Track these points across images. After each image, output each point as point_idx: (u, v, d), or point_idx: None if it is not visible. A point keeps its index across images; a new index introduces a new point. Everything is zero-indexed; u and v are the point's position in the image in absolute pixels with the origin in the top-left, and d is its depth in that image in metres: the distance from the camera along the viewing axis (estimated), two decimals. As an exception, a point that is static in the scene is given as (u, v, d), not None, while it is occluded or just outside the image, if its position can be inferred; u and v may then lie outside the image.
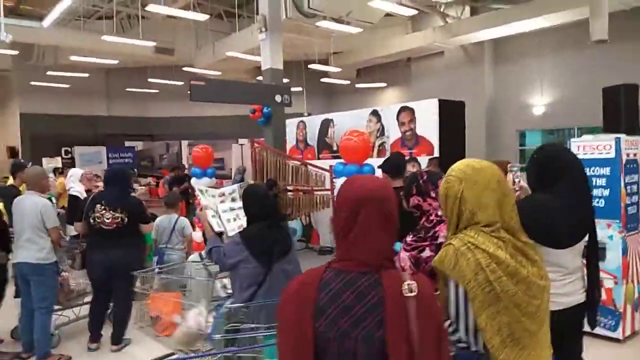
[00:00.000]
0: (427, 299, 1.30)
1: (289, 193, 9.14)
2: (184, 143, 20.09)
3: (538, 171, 2.59)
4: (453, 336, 1.56)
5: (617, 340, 4.29)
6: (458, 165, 1.68)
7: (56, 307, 4.72)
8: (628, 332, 4.34)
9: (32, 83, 17.52)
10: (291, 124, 9.78)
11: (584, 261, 2.62)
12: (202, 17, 11.14)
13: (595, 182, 4.32)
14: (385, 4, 10.01)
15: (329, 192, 8.31)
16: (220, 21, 16.83)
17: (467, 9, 14.79)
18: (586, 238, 2.62)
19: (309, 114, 14.19)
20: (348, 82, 18.84)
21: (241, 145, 14.36)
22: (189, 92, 7.07)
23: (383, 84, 18.68)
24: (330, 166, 7.09)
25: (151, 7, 9.88)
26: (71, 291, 4.73)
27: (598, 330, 4.35)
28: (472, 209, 1.59)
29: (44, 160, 17.06)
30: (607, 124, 5.99)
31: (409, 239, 2.46)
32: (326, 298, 1.29)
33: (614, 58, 11.75)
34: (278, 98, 8.21)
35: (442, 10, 14.79)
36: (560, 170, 2.49)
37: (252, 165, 9.13)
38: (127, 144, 21.06)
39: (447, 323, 1.59)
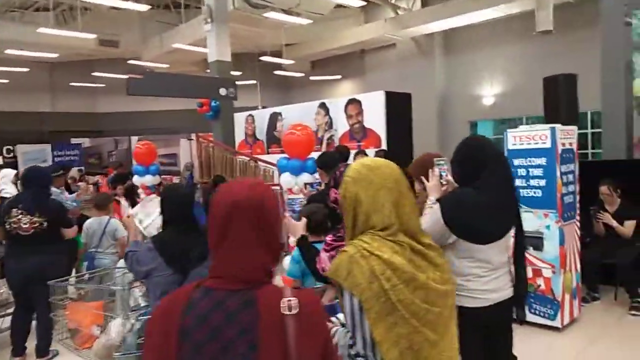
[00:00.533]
0: (309, 315, 1.16)
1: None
2: (134, 139, 19.40)
3: (461, 165, 2.51)
4: (351, 350, 1.43)
5: (556, 328, 4.33)
6: (353, 165, 1.55)
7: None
8: (567, 321, 4.38)
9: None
10: (240, 118, 9.53)
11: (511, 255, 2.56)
12: (143, 7, 10.70)
13: (532, 172, 4.32)
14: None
15: (279, 188, 8.17)
16: (167, 12, 16.31)
17: (418, 0, 14.84)
18: (512, 232, 2.57)
19: (264, 107, 13.95)
20: (302, 74, 18.64)
21: (190, 140, 13.96)
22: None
23: (338, 76, 18.58)
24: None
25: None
26: (-7, 301, 4.40)
27: (537, 319, 4.39)
28: (367, 211, 1.46)
29: (-17, 160, 16.21)
30: (547, 114, 6.08)
31: (328, 238, 2.33)
32: (192, 321, 1.13)
33: (560, 48, 12.00)
34: (223, 91, 7.96)
35: (393, 1, 14.79)
36: (483, 163, 2.41)
37: (197, 161, 8.88)
38: (73, 140, 20.16)
39: (348, 336, 1.46)
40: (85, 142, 20.92)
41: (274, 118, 8.86)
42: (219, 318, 1.12)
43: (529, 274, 4.38)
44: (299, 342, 1.12)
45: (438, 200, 2.49)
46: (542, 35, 10.28)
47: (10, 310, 4.32)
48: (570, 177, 4.42)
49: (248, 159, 8.67)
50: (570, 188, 4.42)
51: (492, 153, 2.45)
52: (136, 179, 8.54)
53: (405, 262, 1.39)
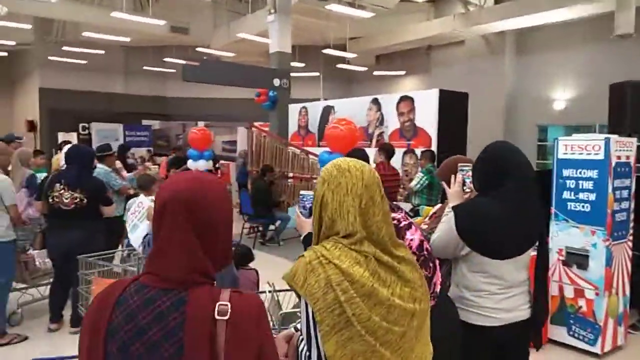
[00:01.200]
0: (242, 322, 1.09)
1: (289, 180, 8.99)
2: (200, 124, 20.04)
3: (482, 172, 2.34)
4: (308, 361, 1.35)
5: (595, 354, 4.01)
6: (327, 165, 1.45)
7: (22, 285, 4.69)
8: (608, 347, 4.05)
9: (51, 58, 17.64)
10: (295, 109, 9.55)
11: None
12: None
13: (582, 184, 4.01)
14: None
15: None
16: (237, 1, 16.62)
17: (491, -3, 14.26)
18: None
19: (325, 99, 13.94)
20: (365, 68, 18.44)
21: (247, 129, 14.19)
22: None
23: (402, 72, 18.23)
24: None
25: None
26: (36, 269, 4.67)
27: (576, 342, 4.09)
28: (332, 215, 1.35)
29: (60, 135, 17.28)
30: (612, 123, 5.63)
31: None
32: (120, 317, 1.09)
33: (638, 53, 11.12)
34: (276, 82, 8.00)
35: (464, -3, 14.30)
36: (505, 171, 2.24)
37: (249, 150, 9.00)
38: (144, 122, 21.13)
39: (302, 345, 1.38)
40: (155, 124, 21.87)
41: (327, 111, 8.81)
42: (147, 317, 1.08)
43: (570, 293, 4.10)
44: (228, 349, 1.06)
45: (454, 208, 2.34)
46: (621, 38, 9.56)
47: (51, 280, 4.56)
48: (625, 193, 4.06)
49: (299, 150, 8.67)
50: (624, 205, 4.06)
51: (515, 161, 2.27)
52: (190, 163, 8.78)
53: (367, 275, 1.28)
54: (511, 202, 2.21)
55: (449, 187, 2.55)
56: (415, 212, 5.87)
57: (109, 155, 5.73)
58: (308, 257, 1.32)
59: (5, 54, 18.96)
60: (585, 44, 12.82)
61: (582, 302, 4.04)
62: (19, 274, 4.50)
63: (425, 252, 2.13)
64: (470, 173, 2.51)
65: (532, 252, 2.38)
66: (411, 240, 2.12)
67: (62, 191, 4.08)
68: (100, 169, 5.63)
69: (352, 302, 1.25)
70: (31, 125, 18.74)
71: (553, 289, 4.15)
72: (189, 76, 6.90)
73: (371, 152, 6.25)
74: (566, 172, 4.10)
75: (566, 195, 4.10)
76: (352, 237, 1.32)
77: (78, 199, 4.08)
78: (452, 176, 2.59)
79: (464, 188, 2.56)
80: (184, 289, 1.10)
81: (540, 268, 2.36)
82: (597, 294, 3.95)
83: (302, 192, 2.52)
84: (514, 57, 14.70)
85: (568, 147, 4.09)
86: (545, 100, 14.02)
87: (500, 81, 14.64)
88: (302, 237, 2.36)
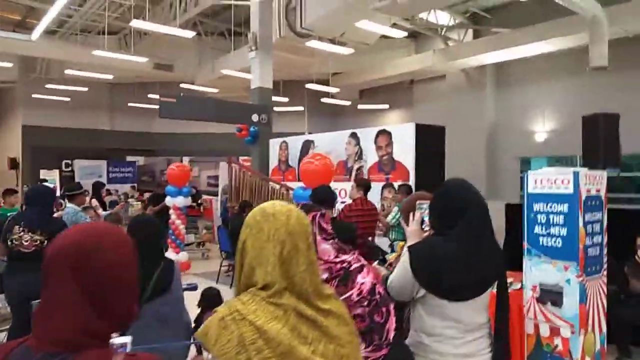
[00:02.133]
0: None
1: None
2: (185, 159, 20.00)
3: (436, 211, 2.28)
4: None
5: (574, 395, 3.87)
6: (256, 208, 1.37)
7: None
8: (587, 387, 3.91)
9: (34, 96, 17.64)
10: (275, 144, 9.54)
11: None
12: (189, 34, 11.02)
13: (553, 219, 3.95)
14: (376, 26, 9.78)
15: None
16: (222, 39, 16.85)
17: (470, 32, 14.56)
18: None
19: (309, 134, 13.97)
20: (348, 102, 18.63)
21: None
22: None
23: (385, 106, 18.42)
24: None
25: (134, 23, 9.79)
26: (-6, 315, 4.48)
27: (553, 384, 3.95)
28: (251, 263, 1.26)
29: (42, 172, 17.13)
30: (587, 155, 5.64)
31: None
32: None
33: (616, 85, 11.34)
34: (255, 117, 7.99)
35: (443, 33, 14.58)
36: (458, 210, 2.17)
37: (228, 186, 8.92)
38: (128, 158, 21.06)
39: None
40: (140, 160, 21.81)
41: (306, 146, 8.79)
42: None
43: (546, 332, 3.99)
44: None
45: (409, 248, 2.27)
46: (596, 71, 9.72)
47: (7, 326, 4.37)
48: (597, 226, 4.00)
49: (278, 185, 8.60)
50: (596, 239, 4.00)
51: (469, 199, 2.21)
52: (168, 200, 8.68)
53: (286, 331, 1.18)
54: (466, 242, 2.14)
55: (406, 226, 2.49)
56: (392, 247, 5.79)
57: (78, 194, 5.61)
58: (222, 313, 1.22)
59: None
60: (563, 76, 13.06)
61: (557, 341, 3.92)
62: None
63: (378, 296, 2.05)
64: (428, 211, 2.45)
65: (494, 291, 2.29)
66: (362, 284, 2.03)
67: (22, 233, 3.94)
68: (70, 208, 5.52)
69: None
70: (13, 163, 18.58)
71: (528, 328, 4.04)
72: (165, 113, 6.86)
73: (350, 186, 6.21)
74: (537, 207, 4.05)
75: (537, 230, 4.04)
76: (270, 289, 1.22)
77: (38, 241, 3.95)
78: (411, 214, 2.53)
79: (423, 226, 2.50)
80: (70, 353, 1.00)
81: (501, 309, 2.27)
82: (572, 332, 3.83)
83: None
84: (495, 90, 14.92)
85: (537, 181, 4.05)
86: (526, 132, 14.17)
87: (481, 114, 14.82)
88: None
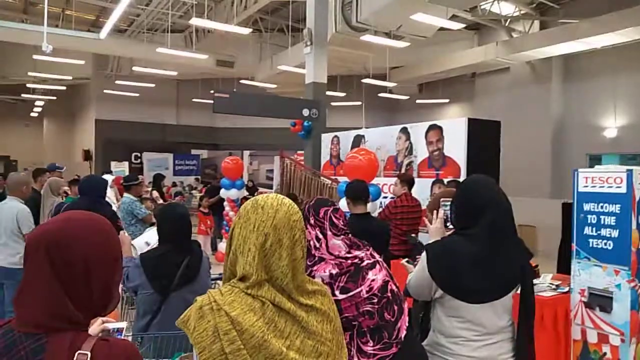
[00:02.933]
0: None
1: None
2: (246, 153, 20.51)
3: (456, 209, 2.21)
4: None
5: (623, 408, 3.64)
6: (250, 199, 1.39)
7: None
8: (638, 400, 3.67)
9: (106, 91, 18.67)
10: (327, 139, 9.56)
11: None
12: (246, 31, 11.25)
13: (604, 220, 3.72)
14: (432, 18, 9.55)
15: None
16: (282, 35, 17.08)
17: (536, 23, 13.90)
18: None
19: (367, 128, 13.90)
20: (408, 97, 18.33)
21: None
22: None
23: (446, 100, 17.99)
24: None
25: (193, 21, 10.13)
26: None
27: (601, 394, 3.73)
28: (235, 251, 1.27)
29: (112, 164, 18.13)
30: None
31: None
32: None
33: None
34: (305, 112, 8.05)
35: (507, 24, 14.02)
36: (480, 209, 2.10)
37: (280, 180, 9.05)
38: (192, 152, 21.86)
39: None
40: (204, 153, 22.59)
41: (357, 140, 8.74)
42: None
43: (594, 338, 3.77)
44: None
45: (426, 247, 2.21)
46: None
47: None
48: (653, 229, 3.73)
49: (329, 180, 8.63)
50: (652, 243, 3.73)
51: (489, 197, 2.12)
52: (223, 192, 8.94)
53: (260, 324, 1.18)
54: (486, 242, 2.07)
55: (429, 224, 2.43)
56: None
57: (135, 185, 5.90)
58: (200, 302, 1.25)
59: (64, 88, 20.25)
60: (634, 68, 12.21)
61: (606, 349, 3.70)
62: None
63: (389, 294, 2.02)
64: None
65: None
66: (373, 280, 2.01)
67: (75, 222, 4.19)
68: (126, 197, 5.83)
69: (237, 354, 1.16)
70: (87, 155, 19.80)
71: (575, 333, 3.85)
72: (219, 108, 7.07)
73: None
74: (587, 207, 3.83)
75: (587, 231, 3.82)
76: (248, 280, 1.24)
77: (90, 229, 4.18)
78: (435, 212, 2.47)
79: (447, 224, 2.43)
80: (44, 335, 1.07)
81: (524, 313, 2.17)
82: (622, 341, 3.61)
83: None
84: (561, 83, 14.18)
85: (588, 179, 3.83)
86: (595, 128, 13.38)
87: (547, 108, 14.13)
88: None
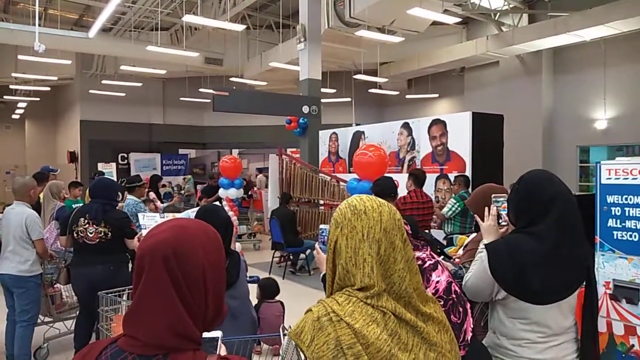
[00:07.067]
0: None
1: (321, 207, 8.86)
2: (235, 152, 20.31)
3: (517, 205, 2.12)
4: None
5: (652, 399, 3.63)
6: (342, 204, 1.30)
7: (47, 319, 4.68)
8: (666, 391, 3.67)
9: (91, 91, 18.29)
10: (324, 136, 9.48)
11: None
12: (239, 27, 11.09)
13: (628, 212, 3.70)
14: (427, 12, 9.52)
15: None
16: (270, 32, 16.93)
17: (525, 17, 13.98)
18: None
19: (357, 125, 13.84)
20: (397, 92, 18.32)
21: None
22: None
23: (435, 95, 18.03)
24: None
25: (186, 18, 9.95)
26: (63, 304, 4.66)
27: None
28: (346, 264, 1.18)
29: (99, 165, 17.79)
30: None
31: None
32: None
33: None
34: (305, 109, 7.96)
35: (496, 18, 14.08)
36: (543, 205, 2.01)
37: (279, 178, 8.94)
38: (180, 151, 21.56)
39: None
40: (192, 153, 22.29)
41: (357, 136, 8.68)
42: None
43: (620, 330, 3.76)
44: None
45: (487, 246, 2.12)
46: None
47: (74, 314, 4.53)
48: (678, 220, 3.73)
49: (329, 177, 8.55)
50: (678, 233, 3.72)
51: (553, 192, 2.04)
52: (221, 192, 8.81)
53: (385, 336, 1.10)
54: (552, 240, 1.98)
55: (482, 219, 2.35)
56: (449, 240, 5.63)
57: (139, 186, 5.75)
58: (317, 312, 1.16)
59: (49, 88, 19.78)
60: (623, 61, 12.36)
61: (634, 341, 3.69)
62: (45, 308, 4.50)
63: (454, 295, 1.94)
64: (505, 205, 2.30)
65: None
66: (437, 282, 1.93)
67: (87, 226, 4.05)
68: (130, 199, 5.68)
69: None
70: (72, 156, 19.38)
71: (601, 325, 3.81)
72: (219, 106, 6.93)
73: (402, 177, 6.08)
74: (610, 199, 3.80)
75: (611, 223, 3.80)
76: (369, 290, 1.15)
77: (102, 234, 4.05)
78: (486, 208, 2.38)
79: (500, 221, 2.34)
80: (165, 355, 0.97)
81: (589, 311, 2.10)
82: (651, 333, 3.60)
83: (321, 226, 2.33)
84: (551, 76, 14.30)
85: (612, 171, 3.81)
86: (585, 121, 13.53)
87: (537, 101, 14.25)
88: (321, 276, 2.19)
